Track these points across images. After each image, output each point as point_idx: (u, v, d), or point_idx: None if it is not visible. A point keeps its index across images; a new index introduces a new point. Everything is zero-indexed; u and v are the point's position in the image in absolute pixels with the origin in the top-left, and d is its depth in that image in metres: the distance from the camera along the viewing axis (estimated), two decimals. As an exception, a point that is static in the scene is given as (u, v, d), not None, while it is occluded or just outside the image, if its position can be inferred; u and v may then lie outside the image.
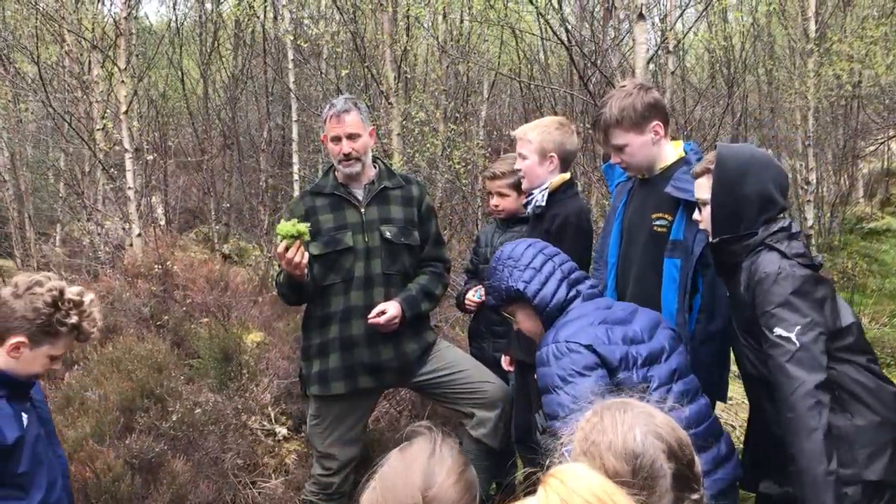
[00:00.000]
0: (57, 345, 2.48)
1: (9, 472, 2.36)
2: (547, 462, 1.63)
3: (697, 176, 2.70)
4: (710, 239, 2.67)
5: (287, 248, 3.29)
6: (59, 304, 2.45)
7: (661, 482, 1.45)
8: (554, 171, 3.52)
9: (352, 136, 3.57)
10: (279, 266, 3.53)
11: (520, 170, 3.94)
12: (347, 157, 3.58)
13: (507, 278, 2.71)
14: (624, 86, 3.10)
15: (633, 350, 2.53)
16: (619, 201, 3.30)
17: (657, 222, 3.01)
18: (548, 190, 3.48)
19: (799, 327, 2.41)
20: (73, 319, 2.47)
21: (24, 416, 2.47)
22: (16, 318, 2.39)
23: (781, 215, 2.64)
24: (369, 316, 3.52)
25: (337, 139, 3.58)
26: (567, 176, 3.56)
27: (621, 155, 3.09)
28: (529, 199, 3.56)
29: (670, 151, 3.10)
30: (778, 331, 2.43)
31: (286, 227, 3.29)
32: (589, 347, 2.47)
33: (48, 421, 2.68)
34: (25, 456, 2.39)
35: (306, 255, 3.37)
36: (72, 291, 2.51)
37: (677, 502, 1.47)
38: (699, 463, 1.55)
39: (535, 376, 3.52)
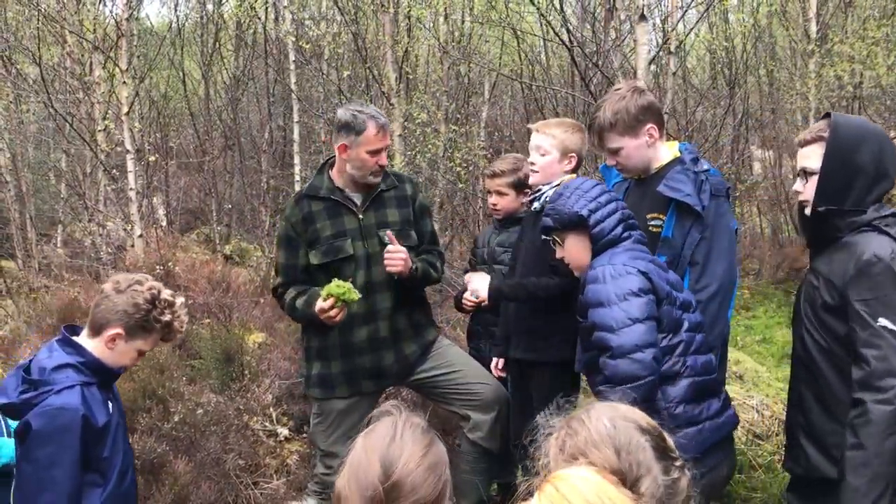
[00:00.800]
0: (148, 340, 2.69)
1: (95, 456, 2.50)
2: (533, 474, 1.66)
3: (805, 144, 2.58)
4: (811, 209, 2.56)
5: (331, 307, 3.35)
6: (156, 302, 2.65)
7: (644, 455, 1.51)
8: (569, 171, 3.51)
9: (386, 149, 3.59)
10: (303, 305, 3.53)
11: (518, 169, 3.93)
12: (381, 169, 3.58)
13: (572, 203, 2.80)
14: (618, 89, 3.10)
15: (673, 293, 2.70)
16: None
17: (652, 222, 3.01)
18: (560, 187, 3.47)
19: None
20: (167, 318, 2.68)
21: (110, 404, 2.63)
22: (117, 311, 2.60)
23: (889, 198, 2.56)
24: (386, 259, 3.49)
25: (377, 152, 3.53)
26: (576, 177, 3.56)
27: (617, 158, 3.09)
28: (537, 194, 3.52)
29: (665, 152, 3.10)
30: (883, 321, 2.33)
31: (339, 289, 3.33)
32: (644, 274, 2.62)
33: (123, 413, 2.84)
34: (108, 441, 2.54)
35: (344, 313, 3.41)
36: (166, 293, 2.72)
37: (666, 471, 1.52)
38: (668, 435, 1.62)
39: (533, 379, 3.54)
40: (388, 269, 3.49)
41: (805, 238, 2.71)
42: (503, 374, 3.83)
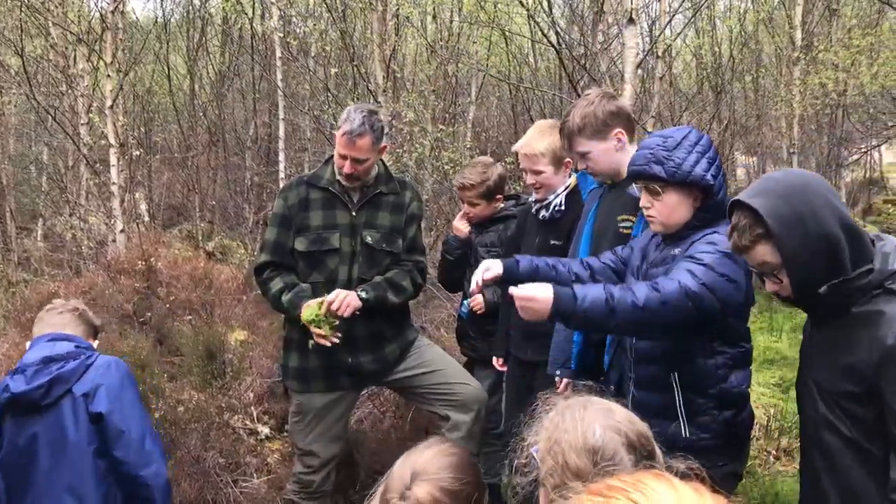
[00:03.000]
0: None
1: None
2: (514, 461, 1.66)
3: (746, 249, 2.17)
4: (798, 293, 2.15)
5: (320, 332, 3.37)
6: None
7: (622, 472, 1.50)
8: (568, 175, 3.51)
9: (357, 161, 3.48)
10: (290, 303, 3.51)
11: (487, 179, 3.94)
12: (349, 176, 3.52)
13: (694, 163, 2.52)
14: (588, 94, 3.12)
15: None
16: (591, 206, 3.32)
17: (622, 224, 3.03)
18: (565, 193, 3.47)
19: None
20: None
21: None
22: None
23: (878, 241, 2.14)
24: (325, 299, 3.44)
25: (343, 157, 3.49)
26: (576, 179, 3.56)
27: (586, 161, 3.10)
28: (544, 203, 3.51)
29: None
30: None
31: (312, 314, 3.35)
32: None
33: None
34: None
35: (330, 331, 3.39)
36: None
37: None
38: (661, 454, 1.60)
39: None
40: (342, 314, 3.44)
41: (810, 312, 2.27)
42: (503, 369, 3.83)
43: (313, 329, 3.36)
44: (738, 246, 2.18)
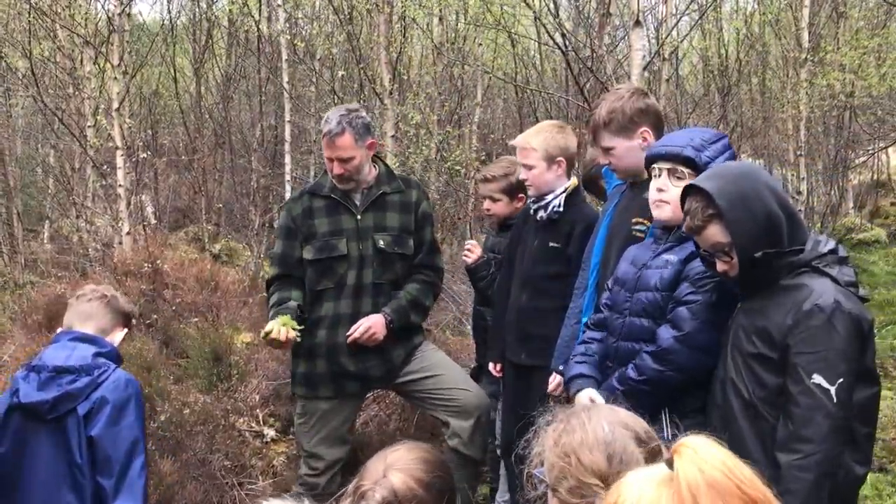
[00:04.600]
0: None
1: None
2: (526, 470, 1.66)
3: (699, 230, 2.35)
4: (745, 261, 2.31)
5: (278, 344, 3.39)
6: None
7: (635, 467, 1.50)
8: (561, 175, 3.47)
9: (343, 160, 3.49)
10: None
11: (511, 174, 3.90)
12: (340, 177, 3.53)
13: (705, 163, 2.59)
14: (619, 89, 3.08)
15: None
16: (611, 203, 3.29)
17: (637, 227, 2.98)
18: (564, 195, 3.45)
19: (842, 380, 2.15)
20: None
21: None
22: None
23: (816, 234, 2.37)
24: (348, 333, 3.52)
25: (330, 159, 3.51)
26: (576, 181, 3.54)
27: (609, 157, 3.06)
28: (542, 204, 3.48)
29: None
30: (818, 379, 2.15)
31: (270, 328, 3.37)
32: None
33: None
34: None
35: (283, 335, 3.37)
36: None
37: None
38: (665, 449, 1.60)
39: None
40: (370, 344, 3.53)
41: (735, 281, 2.44)
42: (500, 374, 3.81)
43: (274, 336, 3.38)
44: (691, 227, 2.37)
